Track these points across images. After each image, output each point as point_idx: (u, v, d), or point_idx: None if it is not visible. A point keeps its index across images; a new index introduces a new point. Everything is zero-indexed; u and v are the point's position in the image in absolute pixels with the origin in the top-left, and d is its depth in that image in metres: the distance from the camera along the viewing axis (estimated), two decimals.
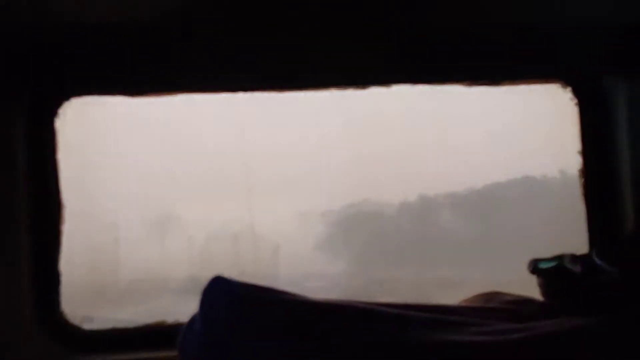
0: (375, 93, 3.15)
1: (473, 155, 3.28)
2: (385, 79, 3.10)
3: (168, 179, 3.20)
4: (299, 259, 3.36)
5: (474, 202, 3.43)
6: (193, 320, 2.14)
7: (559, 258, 2.40)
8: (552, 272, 2.37)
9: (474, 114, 3.29)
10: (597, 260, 2.36)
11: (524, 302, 2.40)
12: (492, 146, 3.30)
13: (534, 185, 3.43)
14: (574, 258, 2.39)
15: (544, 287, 2.41)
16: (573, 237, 3.25)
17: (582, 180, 3.30)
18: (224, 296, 2.10)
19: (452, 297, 2.58)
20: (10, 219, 2.93)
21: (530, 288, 2.47)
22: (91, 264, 3.18)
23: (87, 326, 3.11)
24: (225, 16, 2.74)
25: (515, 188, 3.41)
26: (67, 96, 3.03)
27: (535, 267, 2.40)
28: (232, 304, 2.08)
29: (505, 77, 3.16)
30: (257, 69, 3.00)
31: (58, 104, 3.03)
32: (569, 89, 3.28)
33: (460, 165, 3.31)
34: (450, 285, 3.31)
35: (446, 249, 3.41)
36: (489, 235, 3.43)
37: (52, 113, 3.04)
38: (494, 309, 2.35)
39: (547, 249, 2.48)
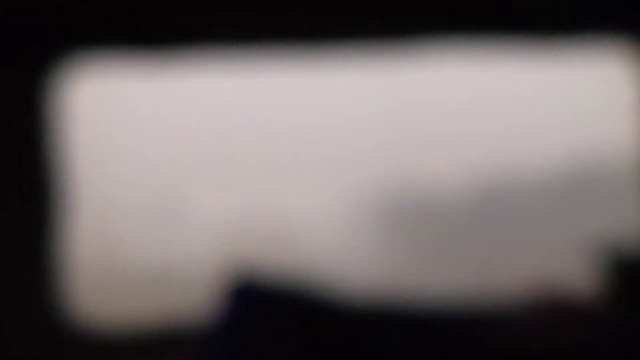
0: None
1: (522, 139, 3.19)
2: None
3: (184, 163, 3.12)
4: (328, 246, 3.32)
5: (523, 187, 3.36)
6: (214, 323, 2.01)
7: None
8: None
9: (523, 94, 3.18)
10: None
11: (589, 301, 2.23)
12: (540, 130, 3.20)
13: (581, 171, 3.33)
14: None
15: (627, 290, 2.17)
16: (627, 225, 3.10)
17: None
18: (251, 300, 1.99)
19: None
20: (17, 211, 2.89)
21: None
22: (101, 257, 3.11)
23: (94, 324, 3.00)
24: None
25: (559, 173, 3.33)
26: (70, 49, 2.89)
27: (611, 258, 2.15)
28: (260, 309, 1.99)
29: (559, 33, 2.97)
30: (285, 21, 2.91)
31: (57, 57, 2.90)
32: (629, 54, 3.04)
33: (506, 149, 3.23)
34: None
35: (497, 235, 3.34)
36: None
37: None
38: (552, 306, 2.17)
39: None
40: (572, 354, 2.00)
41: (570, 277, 2.39)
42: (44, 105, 2.92)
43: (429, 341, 1.96)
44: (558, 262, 2.98)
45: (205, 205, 3.17)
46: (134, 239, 3.12)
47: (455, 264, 3.28)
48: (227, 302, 2.01)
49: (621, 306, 2.18)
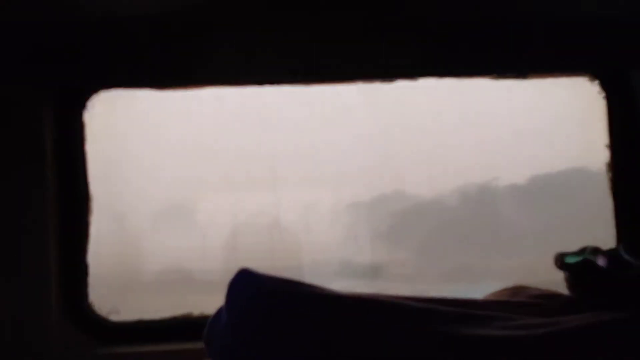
0: (402, 87, 3.15)
1: (499, 151, 3.28)
2: (411, 72, 3.09)
3: (194, 172, 3.21)
4: (328, 250, 3.36)
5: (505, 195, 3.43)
6: (219, 312, 2.14)
7: (585, 252, 2.39)
8: (578, 267, 2.36)
9: (500, 108, 3.28)
10: (625, 255, 2.35)
11: (550, 297, 2.39)
12: (518, 141, 3.29)
13: (555, 181, 3.42)
14: (600, 252, 2.38)
15: (571, 282, 2.40)
16: (600, 232, 3.24)
17: (610, 174, 3.28)
18: (250, 289, 2.10)
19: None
20: (38, 211, 2.95)
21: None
22: (118, 256, 3.20)
23: (114, 318, 3.13)
24: (250, 8, 2.75)
25: (534, 185, 3.40)
26: (95, 89, 3.05)
27: (561, 261, 2.39)
28: (259, 297, 2.09)
29: (532, 70, 3.14)
30: (283, 63, 3.00)
31: (87, 97, 3.06)
32: (596, 82, 3.26)
33: (487, 160, 3.30)
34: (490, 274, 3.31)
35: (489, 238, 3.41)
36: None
37: (81, 106, 3.06)
38: (520, 303, 2.34)
39: (574, 245, 2.48)
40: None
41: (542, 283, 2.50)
42: (59, 124, 3.03)
43: (396, 319, 2.08)
44: (531, 266, 3.08)
45: (213, 212, 3.21)
46: (149, 241, 3.18)
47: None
48: (228, 288, 2.11)
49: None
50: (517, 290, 2.48)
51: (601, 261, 2.34)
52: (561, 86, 3.27)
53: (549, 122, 3.28)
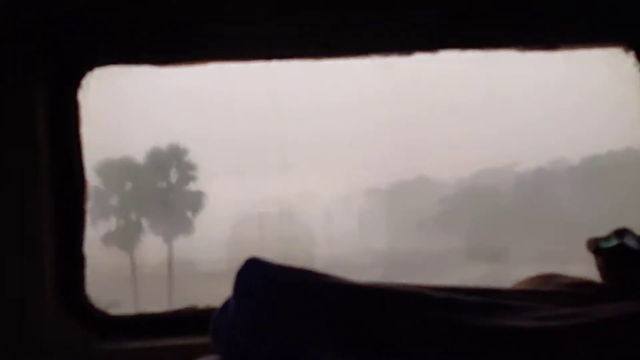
0: (420, 60, 3.12)
1: (529, 131, 3.27)
2: (431, 45, 3.07)
3: (196, 157, 3.20)
4: (341, 237, 3.37)
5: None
6: (226, 304, 2.16)
7: (620, 236, 2.38)
8: (613, 252, 2.36)
9: (527, 84, 3.27)
10: None
11: (582, 285, 2.40)
12: (548, 120, 3.28)
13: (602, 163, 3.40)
14: (633, 235, 2.37)
15: (604, 268, 2.40)
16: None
17: None
18: (259, 278, 2.12)
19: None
20: (31, 199, 2.96)
21: None
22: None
23: (113, 311, 3.15)
24: None
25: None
26: (90, 66, 3.06)
27: (595, 246, 2.39)
28: (267, 286, 2.10)
29: (562, 41, 3.13)
30: (293, 36, 2.98)
31: (81, 74, 3.06)
32: (632, 54, 3.24)
33: (516, 143, 3.29)
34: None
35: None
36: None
37: (75, 84, 3.06)
38: (551, 292, 2.35)
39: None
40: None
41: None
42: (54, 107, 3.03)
43: (415, 309, 2.10)
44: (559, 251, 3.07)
45: (218, 200, 3.22)
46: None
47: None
48: (235, 278, 2.13)
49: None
50: (546, 278, 2.49)
51: (636, 245, 2.34)
52: (594, 59, 3.24)
53: (582, 98, 3.26)
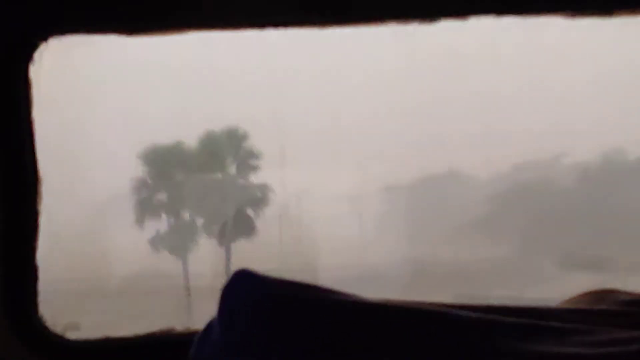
0: (447, 28, 3.10)
1: (579, 119, 3.28)
2: (460, 10, 3.06)
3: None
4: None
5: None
6: (210, 326, 2.16)
7: None
8: None
9: (577, 54, 3.27)
10: None
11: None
12: (602, 106, 3.29)
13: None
14: None
15: None
16: None
17: None
18: (250, 294, 2.12)
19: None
20: None
21: None
22: (77, 255, 3.23)
23: (72, 335, 3.13)
24: None
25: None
26: (44, 36, 3.05)
27: None
28: (260, 303, 2.11)
29: (619, 5, 3.12)
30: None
31: (33, 46, 3.05)
32: None
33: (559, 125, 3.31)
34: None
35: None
36: None
37: (25, 58, 3.05)
38: (606, 312, 2.35)
39: None
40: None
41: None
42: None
43: (439, 331, 2.10)
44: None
45: None
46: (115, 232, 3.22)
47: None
48: (221, 294, 2.14)
49: None
50: (601, 295, 2.48)
51: None
52: None
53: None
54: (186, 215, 5.42)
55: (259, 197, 5.38)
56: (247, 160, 5.30)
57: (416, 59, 3.09)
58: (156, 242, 5.23)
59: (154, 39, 3.08)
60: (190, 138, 4.25)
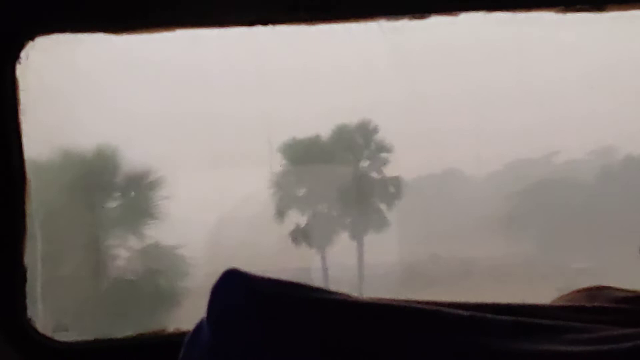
0: (437, 24, 3.11)
1: (571, 117, 3.28)
2: (450, 6, 3.06)
3: (167, 147, 3.24)
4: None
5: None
6: (200, 327, 2.15)
7: None
8: None
9: (568, 51, 3.27)
10: None
11: (639, 300, 2.39)
12: (596, 105, 3.29)
13: None
14: None
15: None
16: None
17: None
18: (241, 293, 2.11)
19: None
20: None
21: None
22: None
23: (61, 337, 3.14)
24: None
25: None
26: (30, 35, 3.04)
27: None
28: (252, 302, 2.10)
29: (610, 0, 3.12)
30: None
31: (19, 45, 3.04)
32: None
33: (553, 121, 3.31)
34: None
35: None
36: None
37: (12, 58, 3.05)
38: (599, 308, 2.35)
39: None
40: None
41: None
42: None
43: (432, 330, 2.09)
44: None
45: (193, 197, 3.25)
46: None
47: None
48: (211, 294, 2.12)
49: None
50: (595, 291, 2.48)
51: None
52: None
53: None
54: (324, 208, 5.50)
55: (391, 192, 5.45)
56: (379, 153, 5.38)
57: (405, 56, 3.09)
58: (297, 236, 5.30)
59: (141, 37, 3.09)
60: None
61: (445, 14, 3.09)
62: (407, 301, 2.18)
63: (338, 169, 5.43)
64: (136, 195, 4.66)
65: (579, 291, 2.52)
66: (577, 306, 2.38)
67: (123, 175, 4.62)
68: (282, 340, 2.06)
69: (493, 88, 3.28)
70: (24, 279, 3.08)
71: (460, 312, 2.16)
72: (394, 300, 2.19)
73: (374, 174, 5.45)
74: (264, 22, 3.05)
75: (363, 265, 4.97)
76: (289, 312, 2.10)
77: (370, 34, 3.13)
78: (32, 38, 3.04)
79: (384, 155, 5.40)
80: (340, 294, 2.17)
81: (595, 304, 2.39)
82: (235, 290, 2.13)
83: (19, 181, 3.07)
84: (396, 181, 5.47)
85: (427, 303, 2.19)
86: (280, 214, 5.09)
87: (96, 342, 3.15)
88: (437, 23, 3.12)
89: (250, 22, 3.06)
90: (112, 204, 5.22)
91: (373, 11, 3.07)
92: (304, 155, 5.26)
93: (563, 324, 2.21)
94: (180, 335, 2.22)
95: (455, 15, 3.09)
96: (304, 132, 4.74)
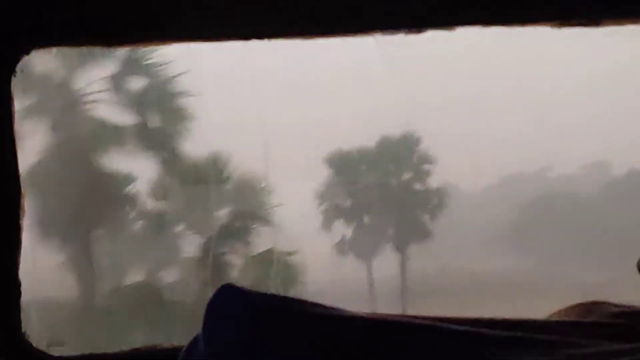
0: (433, 38, 3.11)
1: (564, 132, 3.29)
2: (447, 20, 3.07)
3: None
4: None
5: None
6: (195, 341, 2.15)
7: None
8: None
9: (563, 64, 3.29)
10: None
11: (634, 315, 2.40)
12: (592, 118, 3.30)
13: None
14: None
15: None
16: None
17: None
18: (236, 307, 2.11)
19: None
20: None
21: None
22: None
23: (56, 352, 3.12)
24: None
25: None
26: (26, 49, 3.05)
27: None
28: (247, 315, 2.10)
29: (605, 15, 3.13)
30: (277, 8, 2.97)
31: (14, 58, 3.05)
32: None
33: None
34: None
35: None
36: None
37: (7, 71, 3.05)
38: (596, 324, 2.35)
39: None
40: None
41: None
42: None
43: (428, 345, 2.10)
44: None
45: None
46: None
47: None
48: (207, 309, 2.13)
49: None
50: (590, 307, 2.49)
51: None
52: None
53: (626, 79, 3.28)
54: (368, 220, 5.57)
55: (435, 203, 5.49)
56: (422, 165, 5.42)
57: (401, 71, 3.11)
58: (342, 247, 5.36)
59: None
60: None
61: (441, 28, 3.10)
62: (403, 316, 2.19)
63: (382, 180, 5.48)
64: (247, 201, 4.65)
65: (574, 306, 2.53)
66: (572, 321, 2.38)
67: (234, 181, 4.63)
68: (277, 354, 2.06)
69: (487, 99, 3.29)
70: (19, 294, 3.06)
71: (455, 327, 2.16)
72: (390, 315, 2.20)
73: (417, 186, 5.46)
74: (260, 37, 3.06)
75: (405, 276, 5.01)
76: (284, 326, 2.10)
77: (366, 46, 3.15)
78: (27, 52, 3.05)
79: (426, 167, 5.41)
80: (336, 309, 2.18)
81: (592, 319, 2.40)
82: (229, 305, 2.13)
83: (14, 194, 3.06)
84: (439, 193, 5.48)
85: (424, 318, 2.19)
86: (327, 224, 5.06)
87: (90, 356, 3.14)
88: (433, 37, 3.13)
89: (246, 36, 3.06)
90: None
91: (369, 26, 3.08)
92: (350, 166, 5.27)
93: (559, 339, 2.21)
94: (174, 350, 2.22)
95: (452, 29, 3.10)
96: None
